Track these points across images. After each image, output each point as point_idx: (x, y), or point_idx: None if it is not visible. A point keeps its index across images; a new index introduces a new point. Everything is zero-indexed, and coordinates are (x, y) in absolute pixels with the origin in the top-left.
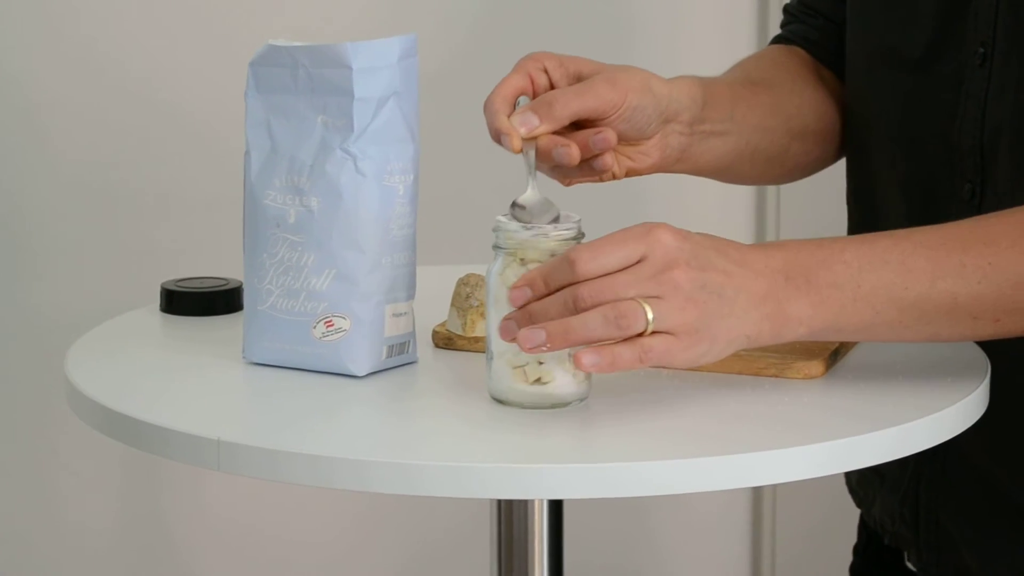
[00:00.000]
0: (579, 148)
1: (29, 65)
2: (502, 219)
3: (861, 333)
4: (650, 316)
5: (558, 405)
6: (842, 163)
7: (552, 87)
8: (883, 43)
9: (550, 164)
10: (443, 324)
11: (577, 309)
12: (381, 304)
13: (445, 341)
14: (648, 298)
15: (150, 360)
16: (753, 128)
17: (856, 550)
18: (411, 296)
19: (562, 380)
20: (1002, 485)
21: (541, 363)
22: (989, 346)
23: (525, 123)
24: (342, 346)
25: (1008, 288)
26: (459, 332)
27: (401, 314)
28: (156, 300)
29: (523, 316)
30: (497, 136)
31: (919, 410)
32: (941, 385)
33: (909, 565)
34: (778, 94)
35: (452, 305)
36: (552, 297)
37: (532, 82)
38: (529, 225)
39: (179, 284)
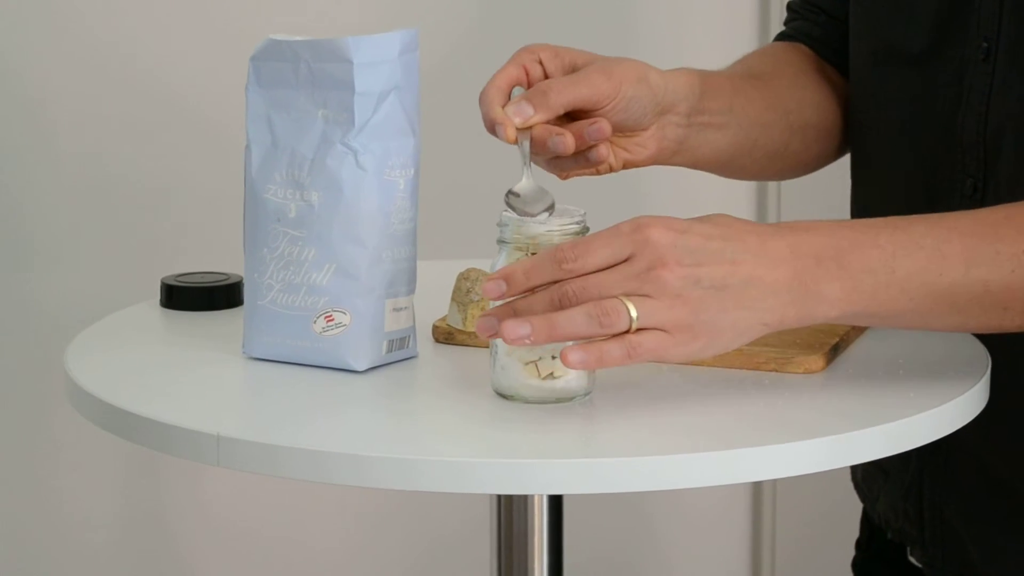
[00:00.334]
0: (574, 138)
1: (30, 60)
2: (507, 214)
3: (891, 319)
4: (633, 314)
5: (563, 399)
6: (844, 158)
7: (547, 78)
8: (886, 38)
9: (546, 155)
10: (443, 319)
11: (563, 306)
12: (381, 299)
13: (445, 336)
14: (634, 296)
15: (150, 355)
16: (752, 122)
17: (859, 545)
18: (411, 291)
19: (573, 374)
20: (1005, 479)
21: (554, 357)
22: (989, 340)
23: (520, 112)
24: (342, 341)
25: None
26: (459, 327)
27: (401, 309)
28: (156, 295)
29: (504, 310)
30: (492, 126)
31: (920, 405)
32: (942, 380)
33: (912, 560)
34: (779, 89)
35: (452, 300)
36: (538, 294)
37: (527, 73)
38: (529, 218)
39: (179, 279)
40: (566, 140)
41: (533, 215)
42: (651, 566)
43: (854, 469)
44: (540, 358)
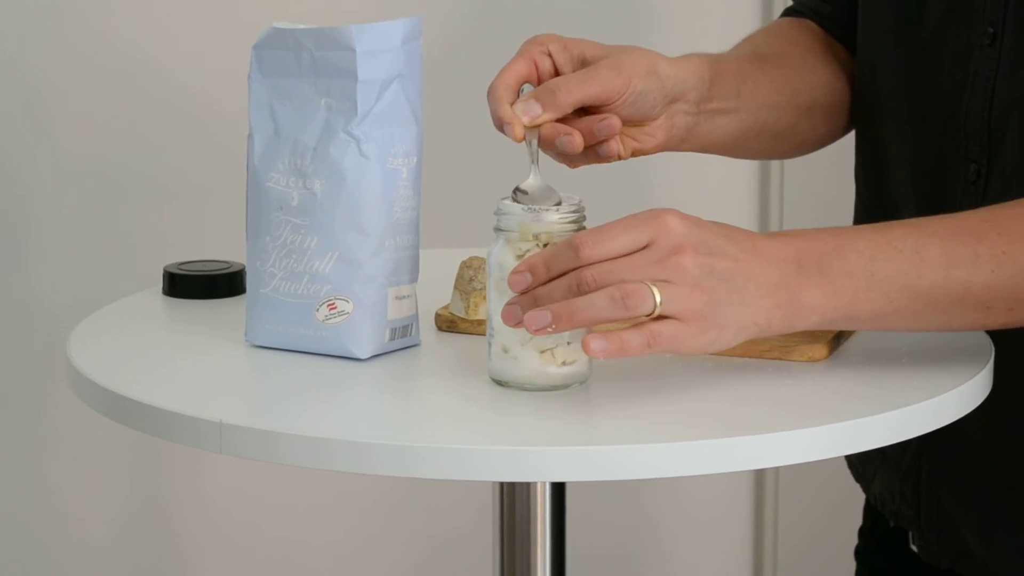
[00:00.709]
0: (583, 135)
1: (30, 51)
2: (505, 202)
3: (873, 322)
4: (658, 298)
5: (560, 387)
6: (847, 141)
7: (556, 72)
8: (894, 19)
9: (554, 151)
10: (446, 307)
11: (582, 292)
12: (384, 287)
13: (448, 324)
14: (656, 282)
15: (152, 343)
16: (760, 105)
17: (861, 532)
18: (414, 279)
19: (583, 360)
20: (1003, 464)
21: (569, 343)
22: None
23: (528, 112)
24: (345, 329)
25: (1021, 278)
26: (462, 315)
27: (404, 297)
28: (159, 283)
29: (527, 300)
30: (500, 125)
31: (922, 393)
32: (945, 367)
33: (914, 548)
34: (787, 70)
35: (455, 288)
36: (557, 281)
37: (536, 68)
38: (531, 207)
39: (181, 267)
40: (575, 140)
41: None
42: (653, 558)
43: None
44: (555, 346)
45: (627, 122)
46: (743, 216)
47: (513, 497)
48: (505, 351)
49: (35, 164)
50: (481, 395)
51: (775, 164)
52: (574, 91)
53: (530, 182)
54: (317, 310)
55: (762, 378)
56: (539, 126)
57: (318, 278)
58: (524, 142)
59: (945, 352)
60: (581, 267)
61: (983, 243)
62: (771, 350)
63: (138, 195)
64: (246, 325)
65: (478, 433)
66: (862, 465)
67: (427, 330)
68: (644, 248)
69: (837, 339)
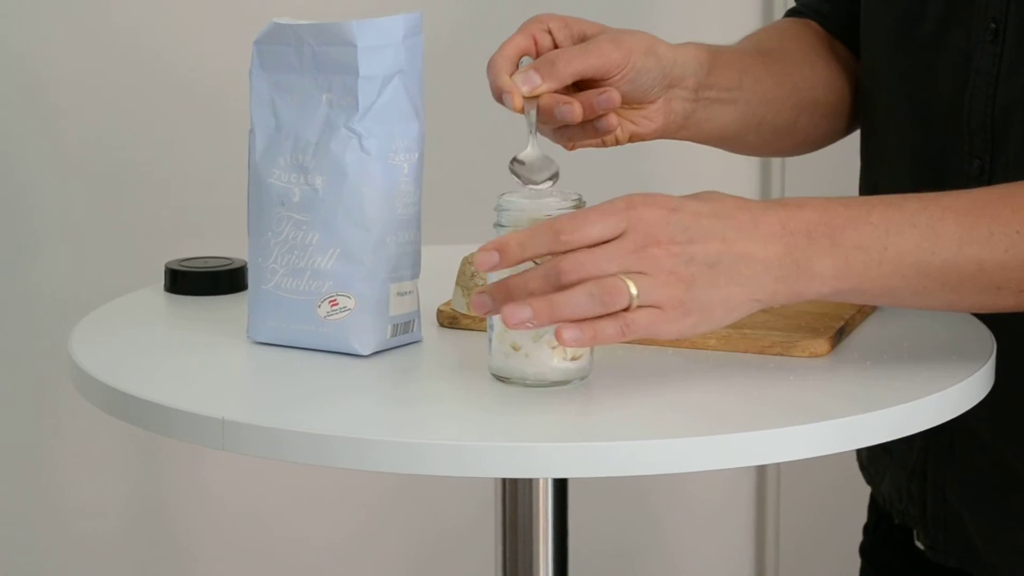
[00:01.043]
0: (582, 108)
1: (35, 45)
2: (505, 197)
3: (883, 297)
4: (634, 292)
5: (560, 383)
6: (847, 139)
7: (556, 48)
8: (896, 16)
9: (553, 124)
10: (448, 303)
11: (560, 284)
12: (386, 283)
13: (450, 320)
14: (631, 273)
15: (154, 340)
16: (760, 98)
17: (866, 529)
18: (416, 275)
19: (587, 355)
20: (1008, 461)
21: None
22: (994, 322)
23: (527, 81)
24: (346, 325)
25: None
26: (464, 311)
27: (406, 293)
28: (160, 280)
29: (500, 291)
30: (499, 94)
31: (925, 388)
32: (947, 363)
33: (919, 545)
34: (788, 66)
35: (457, 284)
36: (532, 272)
37: (536, 42)
38: (532, 186)
39: (183, 264)
40: (574, 109)
41: (537, 183)
42: (656, 554)
43: (860, 451)
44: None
45: (625, 101)
46: None
47: (515, 493)
48: (515, 348)
49: (38, 162)
50: (483, 392)
51: (776, 161)
52: (573, 62)
53: (528, 152)
54: (319, 306)
55: (764, 374)
56: (538, 96)
57: (320, 274)
58: (523, 113)
59: (947, 347)
60: (557, 255)
61: (998, 221)
62: (773, 345)
63: (140, 191)
64: (248, 321)
65: (480, 430)
66: (872, 466)
67: (429, 326)
68: (620, 236)
69: (839, 334)
